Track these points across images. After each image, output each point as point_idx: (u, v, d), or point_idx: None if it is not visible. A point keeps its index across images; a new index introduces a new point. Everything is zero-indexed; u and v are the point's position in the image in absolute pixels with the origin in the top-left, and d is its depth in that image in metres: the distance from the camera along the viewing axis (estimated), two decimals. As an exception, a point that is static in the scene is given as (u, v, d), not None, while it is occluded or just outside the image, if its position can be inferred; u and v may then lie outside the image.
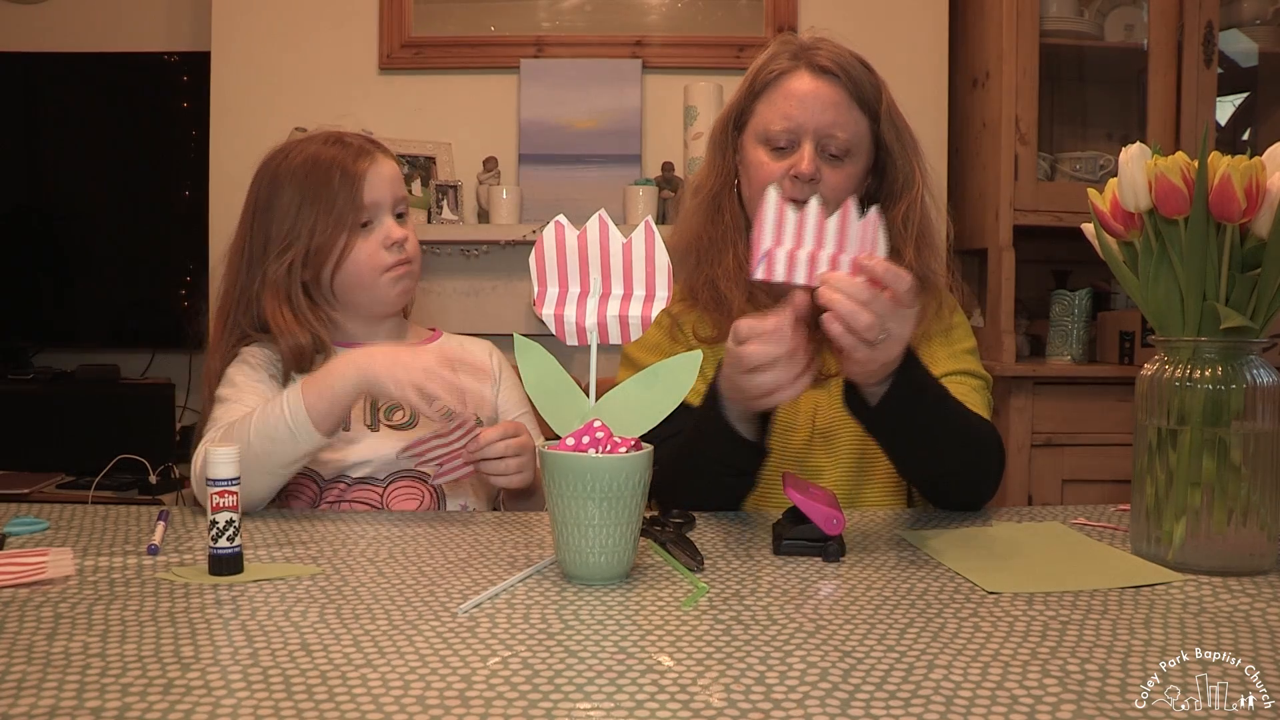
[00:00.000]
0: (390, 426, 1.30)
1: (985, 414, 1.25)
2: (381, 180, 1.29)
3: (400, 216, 1.33)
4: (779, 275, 0.98)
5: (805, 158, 1.25)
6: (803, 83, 1.27)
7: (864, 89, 1.27)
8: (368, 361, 1.10)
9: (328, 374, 1.12)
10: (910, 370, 1.03)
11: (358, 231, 1.28)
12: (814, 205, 0.97)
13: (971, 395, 1.27)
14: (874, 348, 0.96)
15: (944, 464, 1.13)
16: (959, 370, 1.30)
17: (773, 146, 1.28)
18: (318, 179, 1.27)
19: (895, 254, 1.29)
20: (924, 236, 1.31)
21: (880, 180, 1.32)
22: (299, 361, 1.26)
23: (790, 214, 0.97)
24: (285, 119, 2.53)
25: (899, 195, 1.30)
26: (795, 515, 0.99)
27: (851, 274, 0.96)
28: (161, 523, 1.05)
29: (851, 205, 0.97)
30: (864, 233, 0.96)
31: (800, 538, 0.97)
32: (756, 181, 1.29)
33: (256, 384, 1.25)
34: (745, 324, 0.99)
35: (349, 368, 1.11)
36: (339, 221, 1.27)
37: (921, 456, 1.13)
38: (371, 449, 1.27)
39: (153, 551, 0.95)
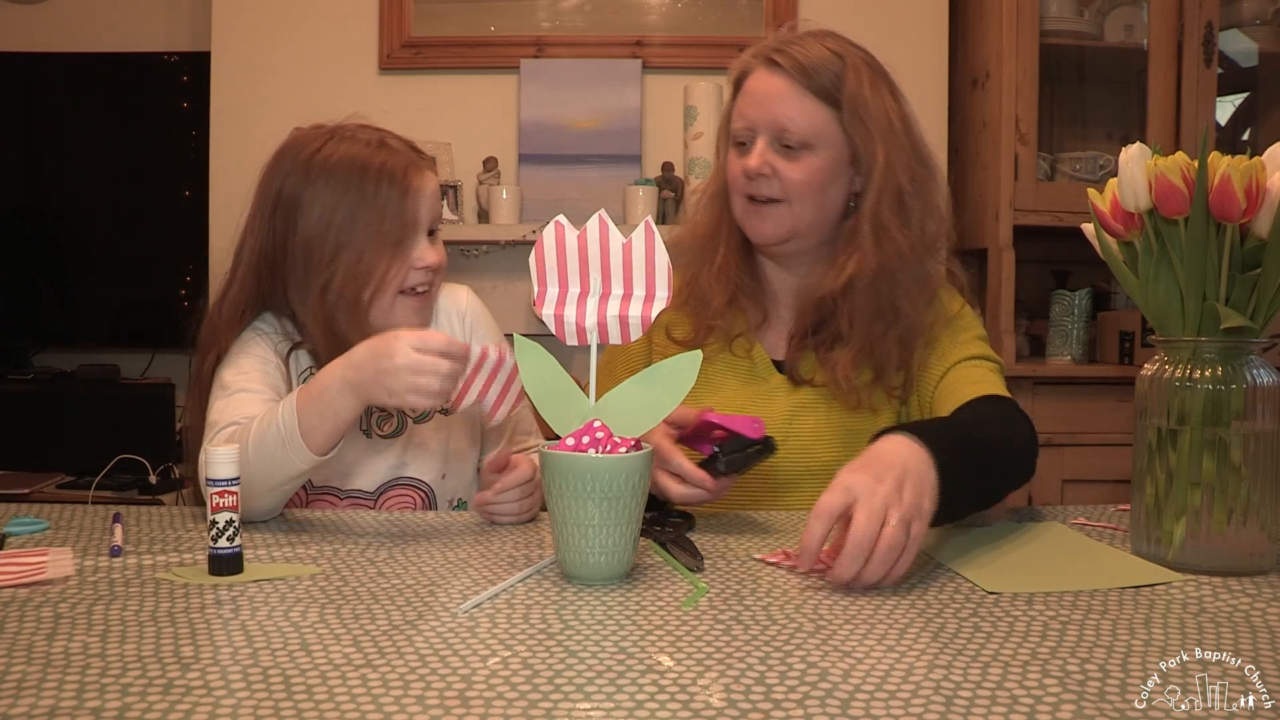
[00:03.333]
0: (381, 436, 1.27)
1: (1002, 393, 1.23)
2: (427, 198, 1.22)
3: (432, 234, 1.25)
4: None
5: (754, 154, 1.26)
6: (757, 80, 1.27)
7: (820, 79, 1.24)
8: (356, 377, 1.02)
9: (323, 390, 1.04)
10: (949, 465, 0.94)
11: (400, 251, 1.20)
12: None
13: (990, 377, 1.25)
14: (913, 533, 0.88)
15: (1010, 485, 1.11)
16: (972, 356, 1.27)
17: (736, 143, 1.29)
18: (365, 188, 1.18)
19: (857, 248, 1.26)
20: (886, 232, 1.25)
21: (858, 172, 1.29)
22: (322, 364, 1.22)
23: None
24: (285, 119, 2.49)
25: (868, 188, 1.27)
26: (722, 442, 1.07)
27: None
28: (118, 525, 1.04)
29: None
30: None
31: (736, 450, 1.04)
32: (728, 180, 1.31)
33: (255, 365, 1.19)
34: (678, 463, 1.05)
35: (343, 389, 1.03)
36: (385, 241, 1.18)
37: (995, 495, 1.09)
38: (361, 461, 1.25)
39: (115, 553, 0.95)
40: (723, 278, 1.31)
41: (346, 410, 1.04)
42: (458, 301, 1.37)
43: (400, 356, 1.00)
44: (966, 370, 1.25)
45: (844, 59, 1.26)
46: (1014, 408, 1.17)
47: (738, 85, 1.31)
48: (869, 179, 1.26)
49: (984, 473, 1.02)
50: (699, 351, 0.91)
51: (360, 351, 1.04)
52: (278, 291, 1.23)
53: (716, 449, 1.05)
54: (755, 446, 1.05)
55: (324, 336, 1.20)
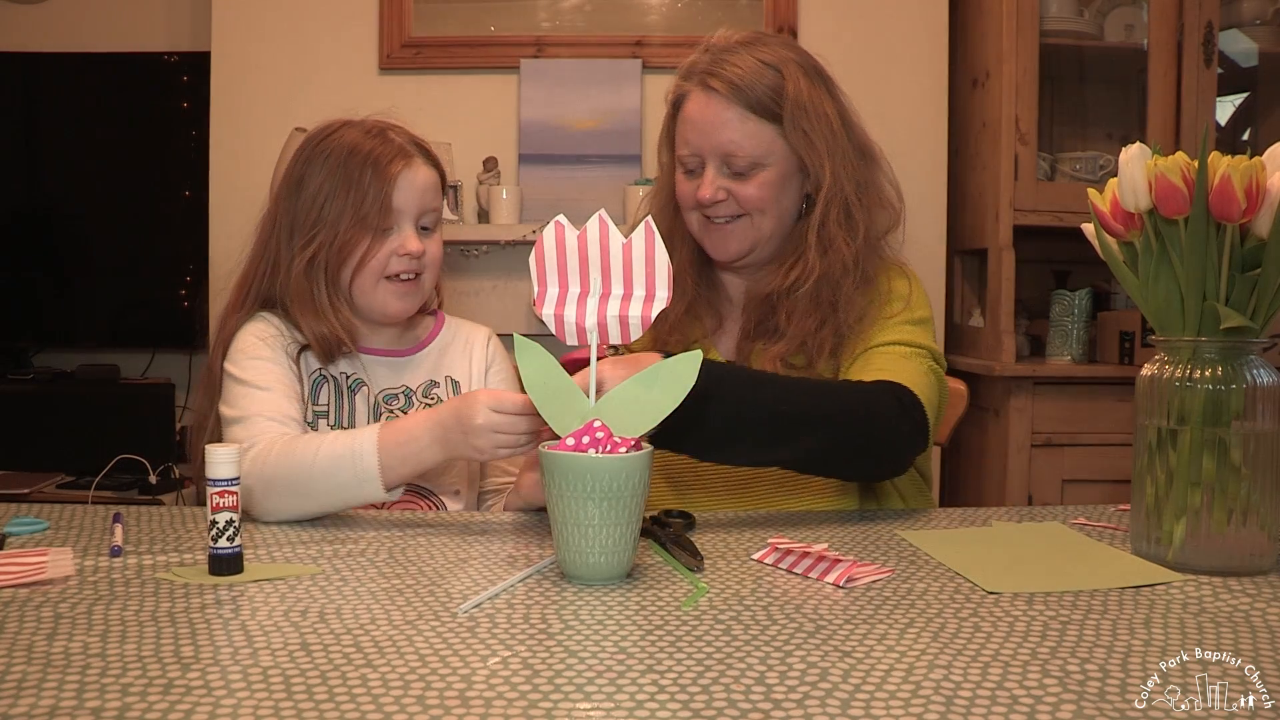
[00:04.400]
0: None
1: (911, 379, 1.17)
2: (411, 187, 1.24)
3: (425, 229, 1.28)
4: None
5: (705, 183, 1.27)
6: (696, 105, 1.28)
7: (757, 94, 1.25)
8: (445, 436, 1.07)
9: (411, 439, 1.09)
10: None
11: (381, 236, 1.24)
12: None
13: (898, 364, 1.21)
14: None
15: (793, 445, 1.08)
16: (889, 341, 1.24)
17: (685, 169, 1.30)
18: (350, 171, 1.22)
19: (800, 258, 1.28)
20: (833, 244, 1.26)
21: (808, 177, 1.30)
22: (324, 353, 1.25)
23: None
24: (285, 119, 2.53)
25: (816, 198, 1.29)
26: None
27: None
28: (118, 524, 1.04)
29: None
30: None
31: None
32: (679, 201, 1.33)
33: (274, 366, 1.22)
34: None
35: (432, 444, 1.08)
36: (363, 222, 1.22)
37: (761, 449, 1.09)
38: None
39: (115, 553, 0.95)
40: (677, 290, 1.30)
41: (430, 460, 1.10)
42: (480, 338, 1.41)
43: (480, 417, 1.04)
44: (871, 356, 1.23)
45: (779, 69, 1.26)
46: (877, 388, 1.14)
47: (676, 106, 1.31)
48: (817, 190, 1.28)
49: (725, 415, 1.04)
50: (699, 351, 0.91)
51: (444, 411, 1.08)
52: (278, 270, 1.26)
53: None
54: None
55: (302, 306, 1.24)
